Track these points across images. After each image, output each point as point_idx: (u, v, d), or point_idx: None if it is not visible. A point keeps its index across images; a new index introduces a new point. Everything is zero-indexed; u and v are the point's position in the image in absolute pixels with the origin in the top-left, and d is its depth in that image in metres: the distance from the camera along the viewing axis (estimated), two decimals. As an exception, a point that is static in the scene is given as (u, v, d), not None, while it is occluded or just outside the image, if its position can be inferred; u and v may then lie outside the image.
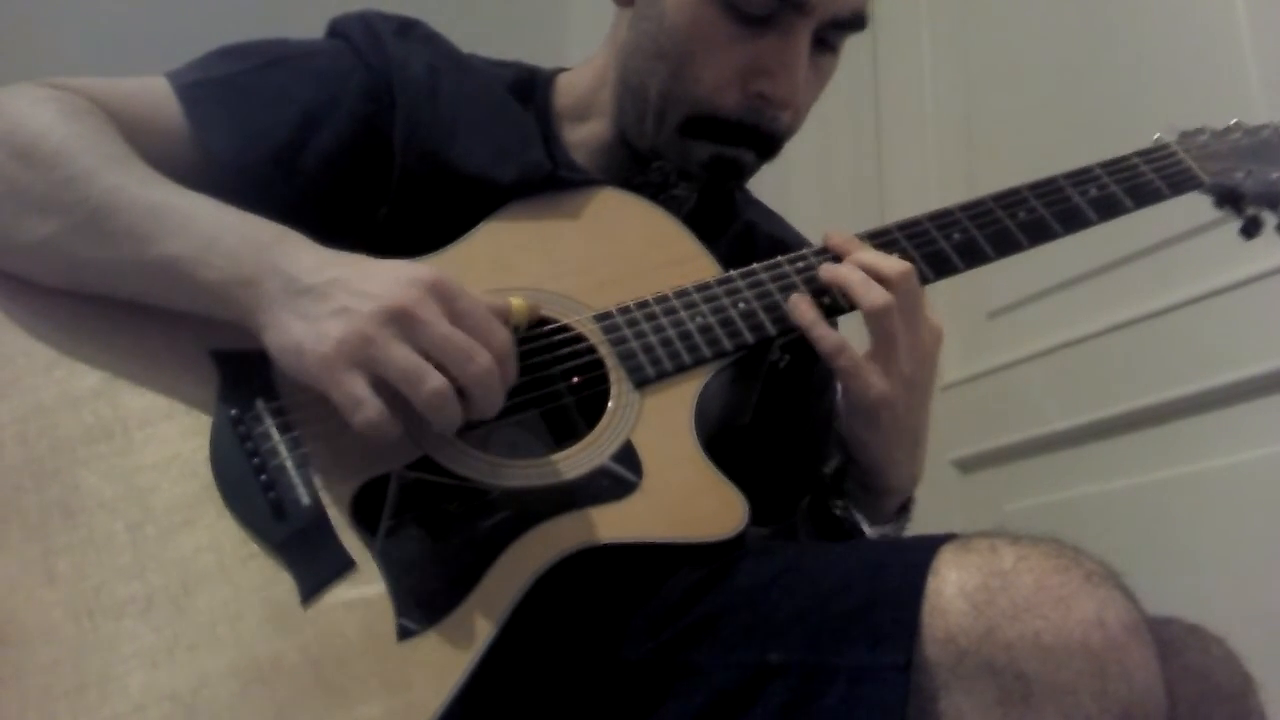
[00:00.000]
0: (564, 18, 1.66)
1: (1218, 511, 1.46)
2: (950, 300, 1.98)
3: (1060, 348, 1.79)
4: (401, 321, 0.74)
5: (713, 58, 0.96)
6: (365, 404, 0.73)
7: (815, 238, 0.97)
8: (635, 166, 1.04)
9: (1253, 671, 0.78)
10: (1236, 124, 1.13)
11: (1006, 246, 0.96)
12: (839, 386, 0.92)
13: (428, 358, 0.75)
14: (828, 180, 2.17)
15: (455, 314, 0.76)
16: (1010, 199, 0.98)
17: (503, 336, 0.78)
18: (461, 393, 0.76)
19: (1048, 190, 0.99)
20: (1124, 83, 1.69)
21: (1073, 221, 0.98)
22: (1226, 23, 1.54)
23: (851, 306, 0.90)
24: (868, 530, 0.95)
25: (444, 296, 0.76)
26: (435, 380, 0.74)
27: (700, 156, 1.00)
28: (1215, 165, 1.06)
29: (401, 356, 0.74)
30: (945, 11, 2.15)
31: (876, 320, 0.87)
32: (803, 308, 0.90)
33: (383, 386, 0.74)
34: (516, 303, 0.84)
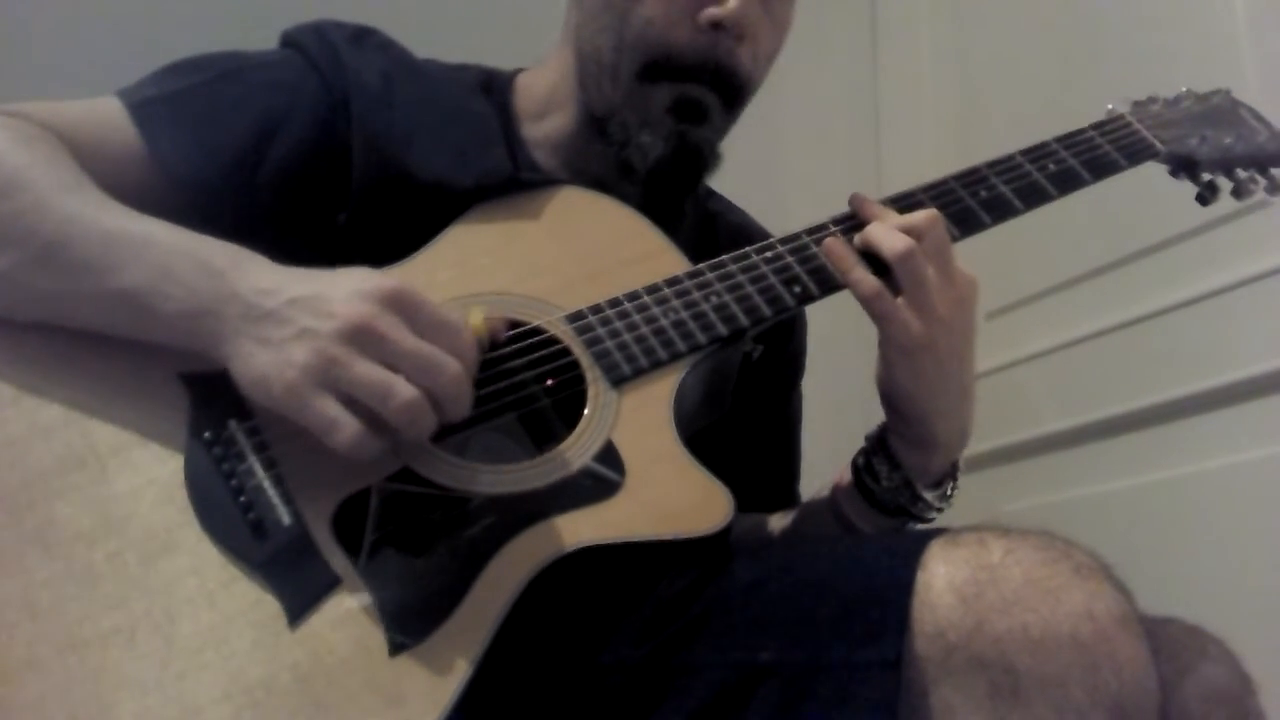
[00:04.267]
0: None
1: (1218, 512, 1.47)
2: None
3: (1058, 349, 1.80)
4: (363, 338, 0.73)
5: None
6: (341, 425, 0.73)
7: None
8: (601, 145, 1.02)
9: (1252, 672, 0.78)
10: (1187, 92, 1.14)
11: (970, 225, 0.96)
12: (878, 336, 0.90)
13: (394, 370, 0.74)
14: (825, 175, 2.15)
15: (417, 324, 0.76)
16: (971, 177, 0.98)
17: (468, 340, 0.77)
18: (432, 401, 0.75)
19: (1007, 167, 0.99)
20: (1121, 77, 1.68)
21: (1033, 197, 0.98)
22: (1224, 17, 1.55)
23: (829, 290, 0.91)
24: (920, 492, 0.93)
25: (404, 307, 0.75)
26: (406, 392, 0.73)
27: (662, 101, 0.99)
28: (1169, 133, 1.07)
29: (366, 372, 0.73)
30: (944, 7, 2.15)
31: (903, 264, 0.86)
32: (839, 251, 0.90)
33: (356, 404, 0.73)
34: (475, 318, 0.82)
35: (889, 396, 0.91)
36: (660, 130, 1.00)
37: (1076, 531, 0.72)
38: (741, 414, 0.98)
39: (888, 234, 0.88)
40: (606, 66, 0.99)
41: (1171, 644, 0.74)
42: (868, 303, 0.88)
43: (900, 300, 0.87)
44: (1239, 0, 1.54)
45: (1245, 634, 0.80)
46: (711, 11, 0.97)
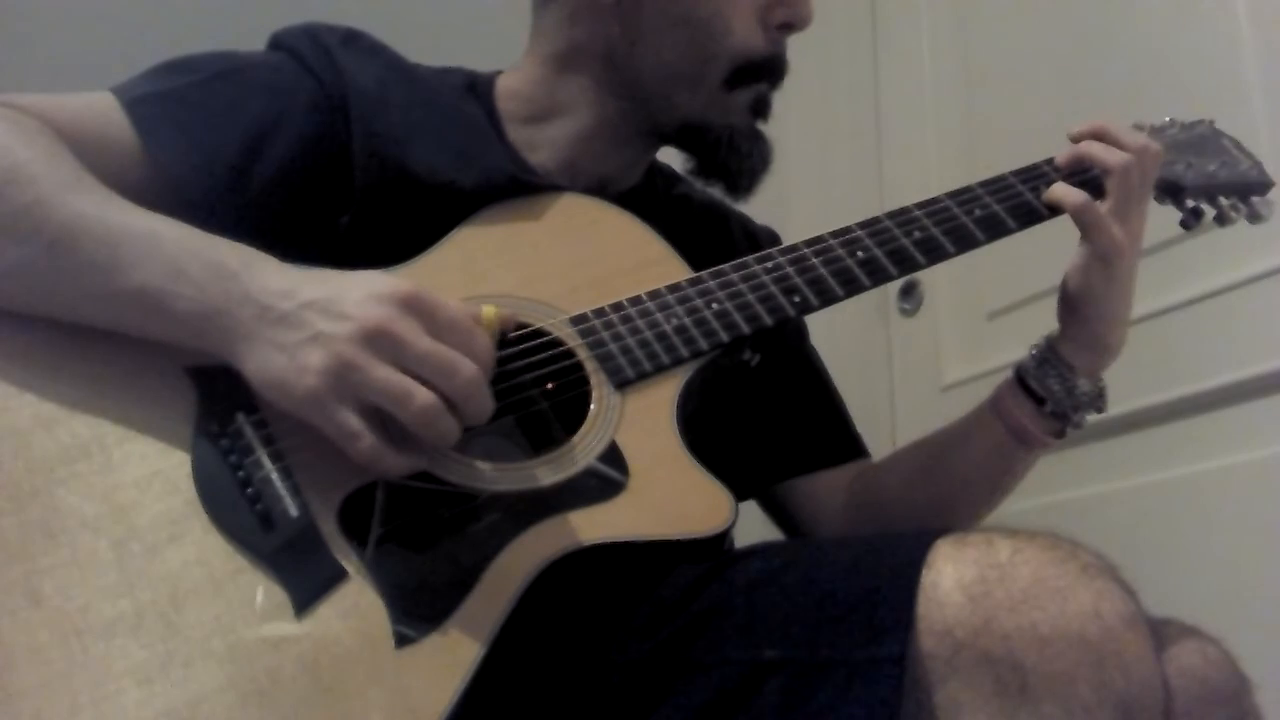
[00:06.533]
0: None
1: (1217, 512, 1.47)
2: (950, 301, 1.99)
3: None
4: (380, 341, 0.74)
5: (735, 7, 1.03)
6: (360, 438, 0.73)
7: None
8: (616, 154, 1.08)
9: (1250, 673, 0.78)
10: (1172, 120, 1.17)
11: (966, 243, 0.98)
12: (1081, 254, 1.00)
13: (411, 374, 0.74)
14: (827, 181, 2.16)
15: (436, 326, 0.76)
16: (965, 196, 1.01)
17: (484, 343, 0.78)
18: (450, 405, 0.75)
19: (999, 188, 1.01)
20: (1123, 82, 1.70)
21: (1026, 217, 1.00)
22: (1226, 20, 1.57)
23: (827, 301, 0.93)
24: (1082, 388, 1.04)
25: (421, 310, 0.76)
26: (422, 396, 0.74)
27: (744, 103, 1.06)
28: None
29: (383, 377, 0.73)
30: (945, 11, 2.16)
31: (1121, 177, 0.98)
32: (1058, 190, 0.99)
33: (372, 407, 0.74)
34: (487, 311, 0.83)
35: (1079, 301, 1.01)
36: (745, 130, 1.07)
37: (1076, 531, 0.73)
38: (744, 418, 0.99)
39: (1107, 150, 0.99)
40: (683, 83, 1.04)
41: (1169, 645, 0.75)
42: (1078, 213, 0.97)
43: (1106, 211, 0.97)
44: (1240, 2, 1.56)
45: (1245, 634, 0.81)
46: (784, 16, 1.05)
